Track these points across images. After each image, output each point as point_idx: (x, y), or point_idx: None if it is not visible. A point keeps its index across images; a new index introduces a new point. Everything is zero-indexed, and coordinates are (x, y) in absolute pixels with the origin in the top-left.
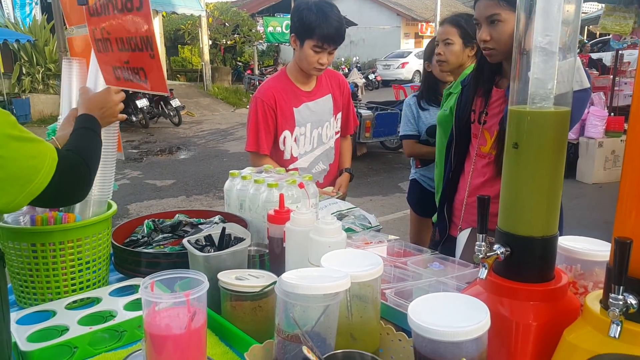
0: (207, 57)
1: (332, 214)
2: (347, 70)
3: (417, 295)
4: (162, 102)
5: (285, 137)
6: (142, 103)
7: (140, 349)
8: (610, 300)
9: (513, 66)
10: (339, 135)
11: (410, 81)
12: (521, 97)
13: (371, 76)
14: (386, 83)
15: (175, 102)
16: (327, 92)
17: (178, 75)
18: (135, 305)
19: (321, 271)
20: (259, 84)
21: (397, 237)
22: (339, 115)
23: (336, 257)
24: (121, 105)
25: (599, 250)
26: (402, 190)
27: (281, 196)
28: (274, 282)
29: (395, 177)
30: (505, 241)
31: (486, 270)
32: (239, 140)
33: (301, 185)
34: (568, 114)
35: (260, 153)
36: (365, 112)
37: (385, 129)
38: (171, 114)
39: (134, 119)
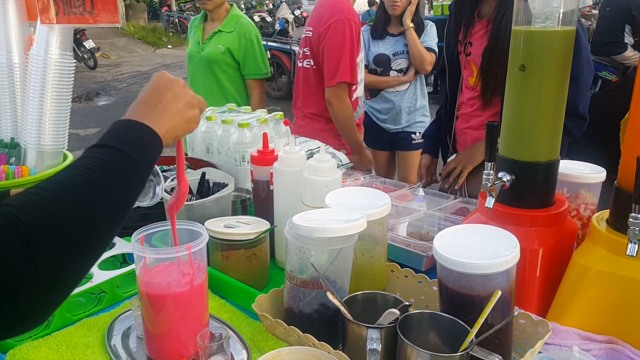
0: None
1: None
2: (271, 6)
3: (411, 230)
4: (74, 44)
5: (356, 64)
6: None
7: (130, 309)
8: (631, 219)
9: None
10: None
11: None
12: (525, 17)
13: (297, 12)
14: None
15: (88, 44)
16: None
17: None
18: (111, 263)
19: (331, 212)
20: (179, 21)
21: (372, 173)
22: None
23: (339, 196)
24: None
25: (586, 172)
26: None
27: (265, 135)
28: (271, 228)
29: None
30: (509, 168)
31: (493, 199)
32: None
33: (286, 122)
34: (574, 33)
35: (354, 83)
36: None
37: None
38: (85, 56)
39: None
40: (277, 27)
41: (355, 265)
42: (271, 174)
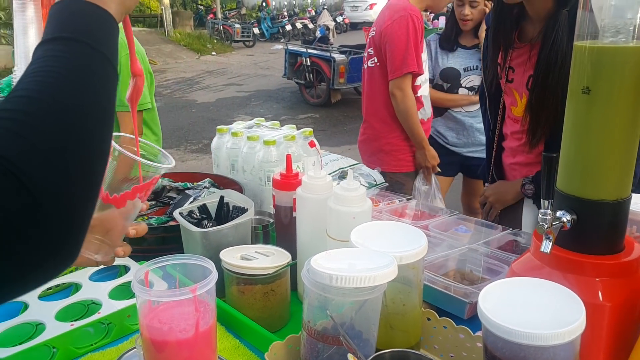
0: (166, 0)
1: (334, 171)
2: (314, 13)
3: (453, 268)
4: None
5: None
6: None
7: (134, 348)
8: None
9: None
10: None
11: None
12: (591, 30)
13: (339, 18)
14: (354, 26)
15: None
16: None
17: (137, 23)
18: (123, 291)
19: (356, 252)
20: (224, 29)
21: (409, 196)
22: None
23: (367, 232)
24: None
25: None
26: None
27: (288, 157)
28: (291, 263)
29: None
30: (570, 206)
31: (551, 244)
32: (207, 89)
33: (312, 144)
34: None
35: (421, 73)
36: (338, 57)
37: (359, 73)
38: None
39: None
40: (318, 34)
41: (385, 314)
42: (294, 199)
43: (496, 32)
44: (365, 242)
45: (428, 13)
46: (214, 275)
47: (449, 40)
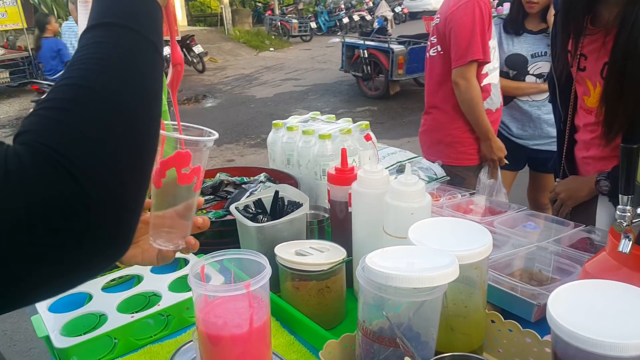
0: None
1: (391, 165)
2: (371, 4)
3: (520, 267)
4: (184, 49)
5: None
6: (166, 51)
7: (191, 340)
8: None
9: None
10: None
11: None
12: None
13: (397, 9)
14: (414, 15)
15: (197, 49)
16: None
17: (198, 22)
18: (182, 283)
19: (414, 250)
20: (281, 25)
21: (473, 190)
22: None
23: (426, 229)
24: None
25: None
26: None
27: (343, 151)
28: (347, 260)
29: None
30: None
31: (630, 243)
32: (265, 85)
33: (368, 137)
34: None
35: (487, 61)
36: (397, 48)
37: (419, 64)
38: (194, 60)
39: None
40: (376, 25)
41: (446, 315)
42: (350, 194)
43: (566, 17)
44: (424, 240)
45: None
46: (268, 271)
47: (515, 24)
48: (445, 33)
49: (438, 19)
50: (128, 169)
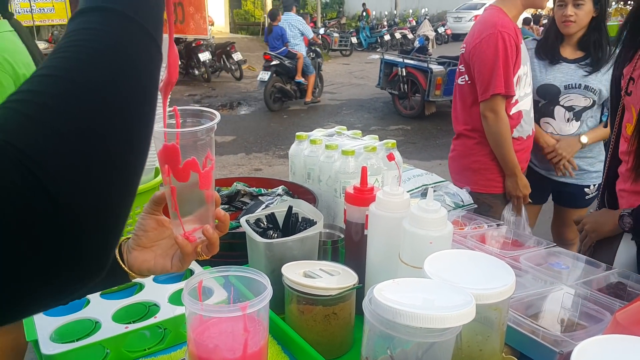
0: (269, 9)
1: (416, 188)
2: (414, 23)
3: (540, 308)
4: (224, 56)
5: (518, 77)
6: (204, 56)
7: (184, 359)
8: None
9: None
10: None
11: None
12: None
13: (440, 29)
14: (456, 37)
15: (237, 56)
16: None
17: (241, 30)
18: None
19: (429, 284)
20: (322, 38)
21: (499, 222)
22: None
23: (444, 261)
24: None
25: None
26: None
27: (364, 170)
28: (357, 287)
29: None
30: None
31: None
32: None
33: (391, 157)
34: None
35: (511, 94)
36: (436, 68)
37: None
38: (233, 67)
39: (197, 72)
40: (417, 44)
41: (459, 357)
42: (367, 216)
43: (632, 34)
44: (441, 273)
45: (532, 24)
46: (267, 293)
47: (550, 51)
48: (470, 64)
49: (464, 49)
50: (111, 181)
